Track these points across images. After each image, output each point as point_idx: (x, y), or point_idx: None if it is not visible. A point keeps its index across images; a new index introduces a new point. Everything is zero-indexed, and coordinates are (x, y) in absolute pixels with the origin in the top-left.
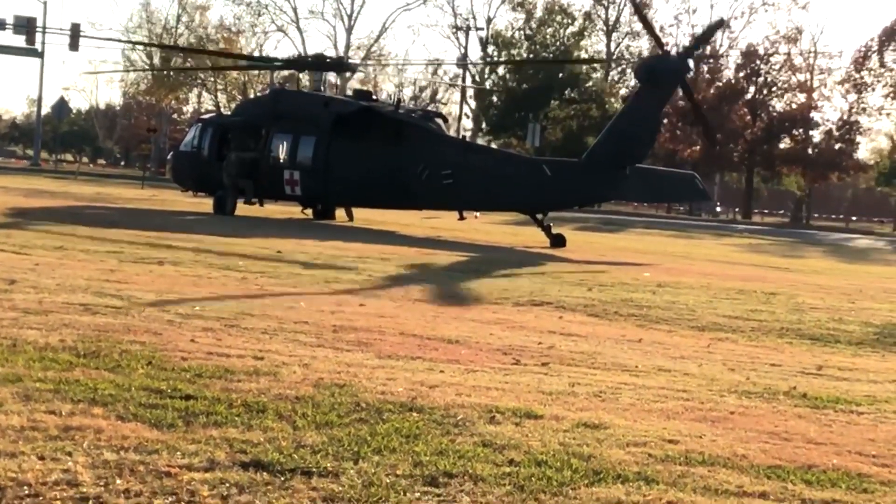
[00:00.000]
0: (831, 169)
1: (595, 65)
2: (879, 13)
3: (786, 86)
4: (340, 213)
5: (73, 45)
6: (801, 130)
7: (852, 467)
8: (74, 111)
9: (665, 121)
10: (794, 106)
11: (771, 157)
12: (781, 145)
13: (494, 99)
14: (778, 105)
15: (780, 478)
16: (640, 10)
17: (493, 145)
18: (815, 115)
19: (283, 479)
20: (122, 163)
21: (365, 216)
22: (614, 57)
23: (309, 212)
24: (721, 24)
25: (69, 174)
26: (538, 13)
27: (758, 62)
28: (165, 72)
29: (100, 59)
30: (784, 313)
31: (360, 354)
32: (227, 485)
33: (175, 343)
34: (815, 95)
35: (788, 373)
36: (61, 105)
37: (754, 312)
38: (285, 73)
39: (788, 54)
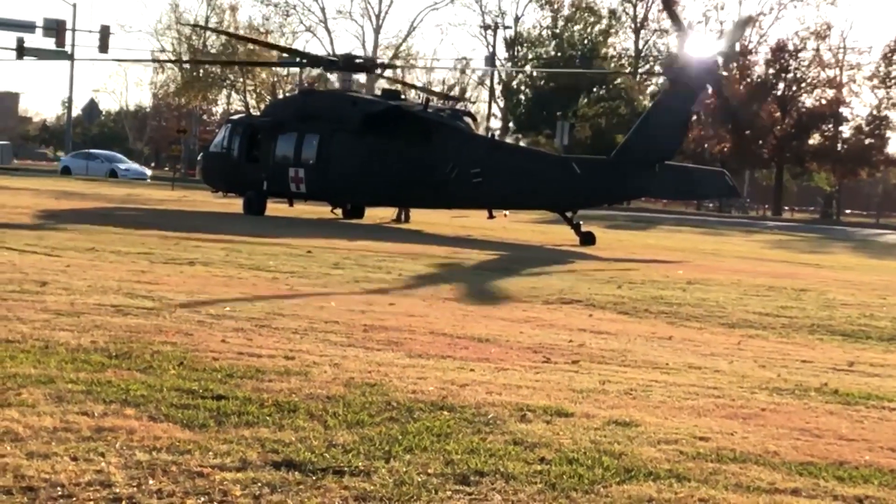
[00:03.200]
0: (861, 164)
1: (623, 62)
2: None
3: (815, 81)
4: (372, 213)
5: (103, 48)
6: (830, 126)
7: (884, 463)
8: (104, 113)
9: (694, 118)
10: (823, 102)
11: (800, 154)
12: (811, 141)
13: (522, 97)
14: (807, 101)
15: (811, 474)
16: (669, 6)
17: (522, 143)
18: (844, 110)
19: (314, 478)
20: (153, 164)
21: (394, 215)
22: (642, 54)
23: (339, 211)
24: (749, 20)
25: (100, 176)
26: (565, 11)
27: (787, 58)
28: (195, 73)
29: (129, 61)
30: (814, 309)
31: (391, 353)
32: (259, 484)
33: (206, 343)
34: (844, 91)
35: (819, 369)
36: (91, 107)
37: (785, 309)
38: (314, 73)
39: (817, 50)
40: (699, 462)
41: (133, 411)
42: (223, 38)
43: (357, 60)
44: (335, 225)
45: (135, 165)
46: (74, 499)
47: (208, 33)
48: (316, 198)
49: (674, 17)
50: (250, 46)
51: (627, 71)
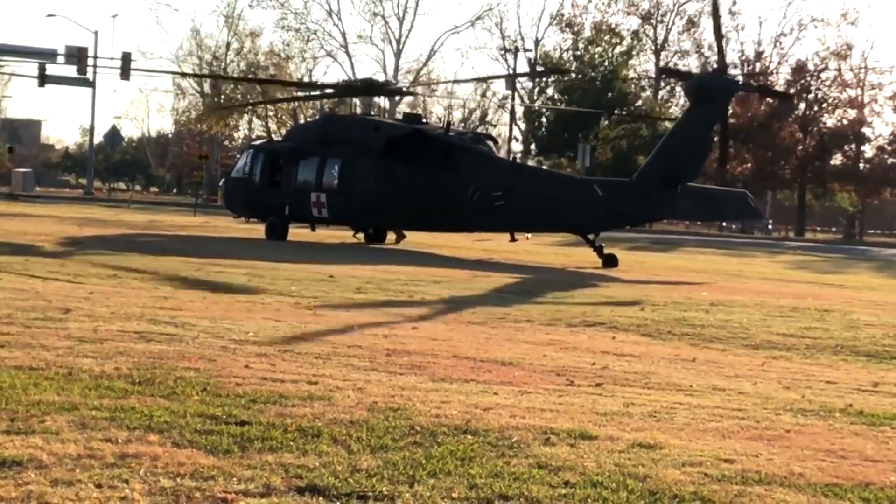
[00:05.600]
0: (884, 184)
1: (644, 84)
2: None
3: (836, 102)
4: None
5: (125, 74)
6: (852, 146)
7: None
8: (126, 140)
9: (715, 139)
10: (844, 122)
11: (822, 174)
12: (833, 161)
13: (544, 120)
14: (829, 121)
15: (837, 496)
16: (668, 71)
17: (544, 166)
18: (866, 130)
19: (338, 503)
20: (175, 190)
21: (416, 239)
22: (663, 76)
23: (360, 236)
24: (716, 5)
25: (122, 202)
26: (586, 33)
27: (808, 78)
28: (217, 100)
29: (151, 88)
30: (839, 330)
31: (414, 378)
32: None
33: (229, 369)
34: (865, 111)
35: (844, 390)
36: (113, 134)
37: (808, 330)
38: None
39: (838, 70)
40: (724, 484)
41: (157, 438)
42: (243, 64)
43: (378, 85)
44: (357, 249)
45: None
46: None
47: (229, 58)
48: (338, 222)
49: (671, 74)
50: (272, 71)
51: (648, 92)
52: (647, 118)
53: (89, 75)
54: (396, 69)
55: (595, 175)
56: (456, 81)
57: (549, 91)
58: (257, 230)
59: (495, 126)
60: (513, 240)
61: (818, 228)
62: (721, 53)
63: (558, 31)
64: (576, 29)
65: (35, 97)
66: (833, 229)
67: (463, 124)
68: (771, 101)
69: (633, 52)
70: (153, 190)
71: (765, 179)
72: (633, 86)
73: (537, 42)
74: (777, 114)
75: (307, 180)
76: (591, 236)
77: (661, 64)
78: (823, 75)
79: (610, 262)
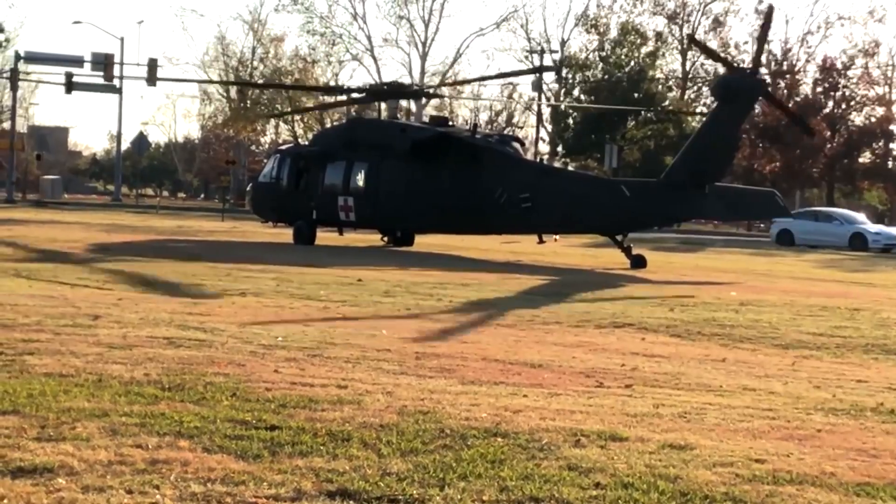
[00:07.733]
0: None
1: (671, 83)
2: None
3: (864, 99)
4: (422, 240)
5: (151, 81)
6: (881, 144)
7: None
8: (153, 145)
9: (743, 137)
10: (873, 120)
11: (851, 172)
12: (861, 159)
13: (570, 121)
14: (857, 119)
15: (869, 495)
16: (700, 44)
17: (571, 167)
18: (894, 128)
19: None
20: (202, 195)
21: (443, 242)
22: (689, 75)
23: (388, 239)
24: (771, 11)
25: (150, 208)
26: (612, 34)
27: (835, 76)
28: (243, 105)
29: (178, 94)
30: (869, 329)
31: (443, 381)
32: None
33: (259, 374)
34: (894, 108)
35: (875, 389)
36: (141, 140)
37: (839, 329)
38: None
39: (866, 67)
40: (755, 485)
41: (187, 443)
42: (268, 69)
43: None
44: (385, 253)
45: (887, 229)
46: None
47: (255, 62)
48: (365, 226)
49: (706, 51)
50: (297, 76)
51: (675, 92)
52: (674, 113)
53: (116, 82)
54: (422, 72)
55: (622, 176)
56: (482, 79)
57: (576, 92)
58: (285, 234)
59: (522, 128)
60: (541, 241)
61: None
62: (759, 53)
63: (584, 31)
64: (601, 30)
65: (62, 104)
66: None
67: (490, 126)
68: (798, 99)
69: (660, 53)
70: (180, 195)
71: (793, 178)
72: (660, 86)
73: (563, 43)
74: (805, 112)
75: (334, 184)
76: (619, 237)
77: (688, 64)
78: (851, 73)
79: (638, 262)
